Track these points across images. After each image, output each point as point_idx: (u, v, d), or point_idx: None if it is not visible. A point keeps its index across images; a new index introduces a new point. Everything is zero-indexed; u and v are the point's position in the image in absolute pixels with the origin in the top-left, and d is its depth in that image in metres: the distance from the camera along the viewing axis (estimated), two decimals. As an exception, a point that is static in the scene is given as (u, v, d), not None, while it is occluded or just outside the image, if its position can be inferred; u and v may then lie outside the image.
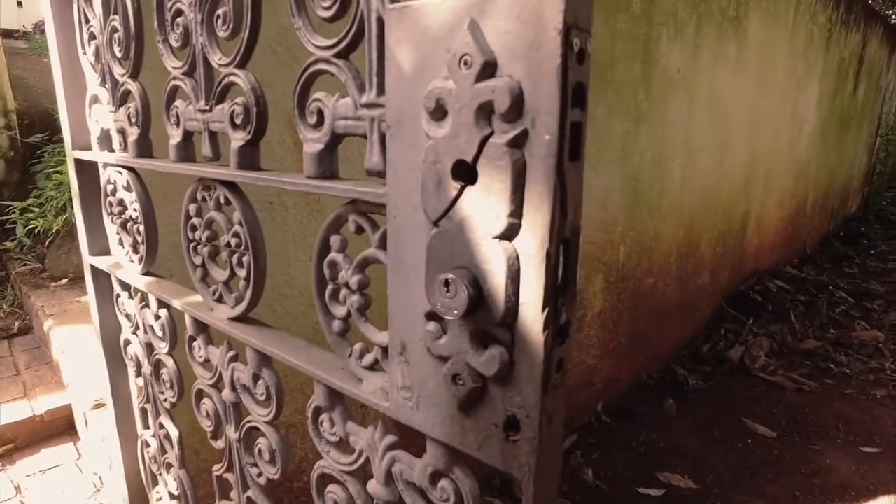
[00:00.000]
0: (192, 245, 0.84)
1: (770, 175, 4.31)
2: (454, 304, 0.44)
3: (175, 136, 0.81)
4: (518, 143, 0.41)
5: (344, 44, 0.55)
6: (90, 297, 1.16)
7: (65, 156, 1.23)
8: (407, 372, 0.53)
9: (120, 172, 0.98)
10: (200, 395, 0.93)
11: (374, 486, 0.63)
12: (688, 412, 2.90)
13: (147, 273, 1.00)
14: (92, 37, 0.97)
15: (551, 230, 0.40)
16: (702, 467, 2.46)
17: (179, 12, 0.74)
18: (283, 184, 0.63)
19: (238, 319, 0.79)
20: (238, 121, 0.69)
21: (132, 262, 1.02)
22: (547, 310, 0.41)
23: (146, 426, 1.16)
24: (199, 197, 0.81)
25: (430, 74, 0.45)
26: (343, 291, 0.62)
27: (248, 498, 0.88)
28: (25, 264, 3.14)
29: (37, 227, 3.15)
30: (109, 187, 1.03)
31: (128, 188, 0.97)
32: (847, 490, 2.31)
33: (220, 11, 0.68)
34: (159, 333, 0.98)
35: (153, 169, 0.87)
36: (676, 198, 3.06)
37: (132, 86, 0.89)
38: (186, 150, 0.82)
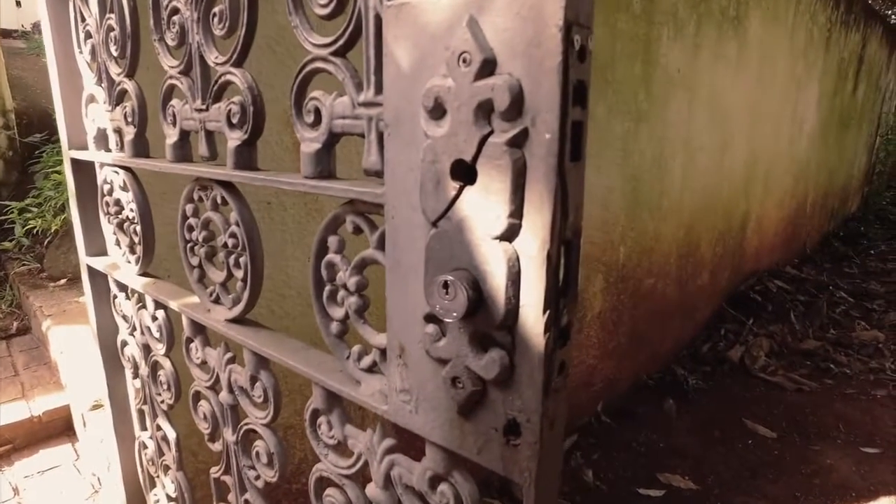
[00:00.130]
0: (188, 246, 0.83)
1: (770, 175, 4.30)
2: (453, 307, 0.43)
3: (171, 135, 0.80)
4: (518, 142, 0.40)
5: (341, 42, 0.54)
6: (87, 297, 1.15)
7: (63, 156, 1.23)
8: (405, 375, 0.52)
9: (116, 172, 0.97)
10: (198, 396, 0.93)
11: (372, 489, 0.62)
12: (688, 412, 2.90)
13: (144, 274, 0.99)
14: (88, 35, 0.96)
15: (552, 231, 0.39)
16: (702, 468, 2.45)
17: (175, 10, 0.73)
18: (281, 184, 0.62)
19: (235, 321, 0.78)
20: (235, 120, 0.68)
21: (129, 262, 1.01)
22: (548, 312, 0.41)
23: (144, 428, 1.15)
24: (195, 197, 0.80)
25: (428, 72, 0.44)
26: (341, 293, 0.61)
27: (246, 501, 0.87)
28: (24, 264, 3.13)
29: (35, 227, 3.14)
30: (106, 187, 1.02)
31: (124, 188, 0.96)
32: (847, 491, 2.30)
33: (216, 9, 0.67)
34: (156, 335, 0.98)
35: (150, 169, 0.86)
36: (676, 198, 3.05)
37: (128, 85, 0.88)
38: (183, 149, 0.81)
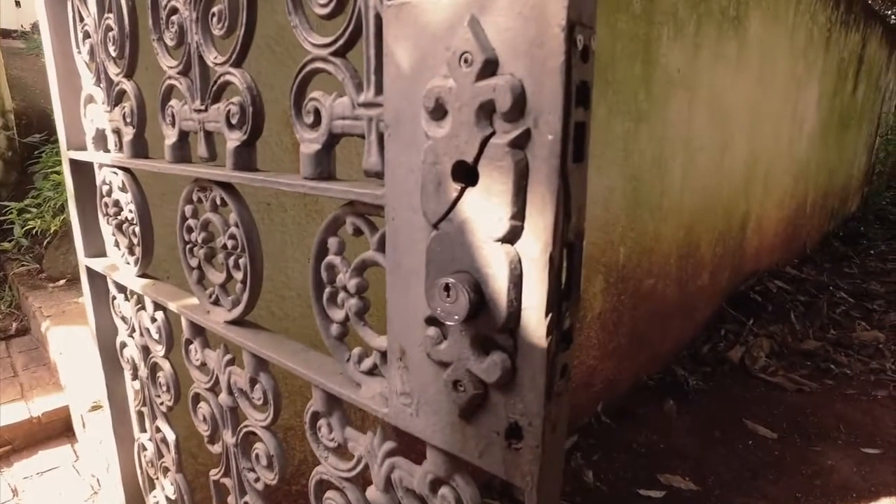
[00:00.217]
0: (188, 247, 0.83)
1: (770, 175, 4.30)
2: (455, 309, 0.43)
3: (170, 136, 0.80)
4: (520, 143, 0.39)
5: (341, 42, 0.53)
6: (86, 299, 1.15)
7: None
8: (406, 377, 0.51)
9: (115, 173, 0.97)
10: (197, 398, 0.92)
11: (373, 492, 0.62)
12: (688, 413, 2.89)
13: (143, 275, 0.99)
14: (86, 35, 0.96)
15: (555, 233, 0.39)
16: (702, 469, 2.45)
17: (174, 10, 0.73)
18: (280, 185, 0.62)
19: (235, 322, 0.77)
20: (234, 121, 0.68)
21: (128, 263, 1.01)
22: (550, 315, 0.40)
23: (143, 429, 1.15)
24: (195, 198, 0.80)
25: (429, 73, 0.44)
26: (341, 295, 0.60)
27: (246, 503, 0.86)
28: (23, 265, 3.13)
29: (34, 227, 3.13)
30: (105, 188, 1.02)
31: (123, 189, 0.96)
32: (848, 491, 2.30)
33: (215, 9, 0.67)
34: (155, 336, 0.97)
35: (149, 169, 0.86)
36: (676, 198, 3.05)
37: (127, 85, 0.87)
38: (182, 150, 0.80)
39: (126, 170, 0.94)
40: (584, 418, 2.73)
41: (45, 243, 3.17)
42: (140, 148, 0.90)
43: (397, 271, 0.50)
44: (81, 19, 0.96)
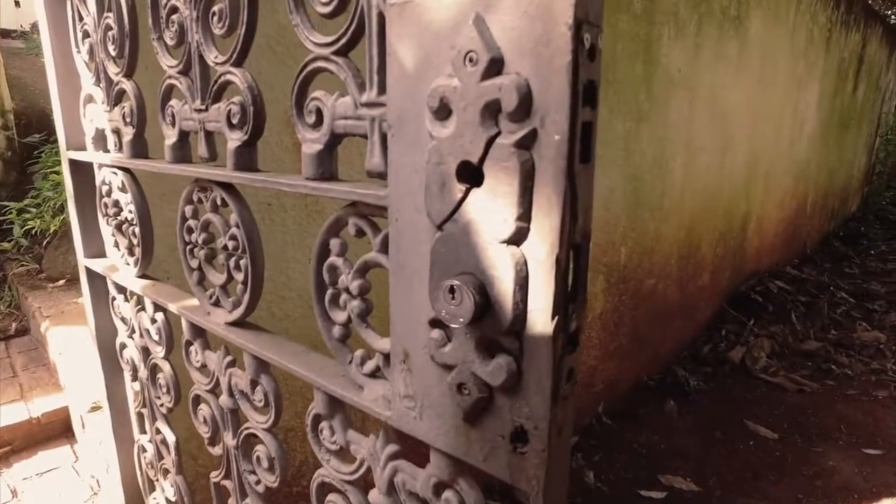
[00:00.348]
0: (188, 248, 0.82)
1: (770, 175, 4.30)
2: (460, 312, 0.42)
3: (170, 136, 0.79)
4: (526, 143, 0.39)
5: (343, 41, 0.53)
6: (85, 299, 1.14)
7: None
8: (410, 380, 0.51)
9: (115, 173, 0.96)
10: (197, 400, 0.92)
11: (375, 495, 0.61)
12: (689, 414, 2.89)
13: (143, 276, 0.98)
14: (86, 35, 0.95)
15: (561, 235, 0.38)
16: (703, 469, 2.45)
17: (174, 9, 0.72)
18: (281, 185, 0.61)
19: (235, 324, 0.77)
20: (235, 120, 0.67)
21: (128, 264, 1.00)
22: (557, 317, 0.40)
23: (143, 431, 1.14)
24: (195, 198, 0.79)
25: (433, 72, 0.43)
26: (343, 296, 0.60)
27: (246, 506, 0.86)
28: (22, 265, 3.12)
29: (34, 227, 3.13)
30: (105, 188, 1.01)
31: (123, 189, 0.95)
32: (850, 492, 2.29)
33: (215, 8, 0.66)
34: (155, 337, 0.96)
35: (149, 170, 0.85)
36: (677, 198, 3.04)
37: (127, 85, 0.87)
38: (182, 150, 0.80)
39: (126, 170, 0.94)
40: (585, 419, 2.73)
41: (44, 243, 3.16)
42: (140, 148, 0.89)
43: (401, 273, 0.49)
44: (81, 19, 0.95)
